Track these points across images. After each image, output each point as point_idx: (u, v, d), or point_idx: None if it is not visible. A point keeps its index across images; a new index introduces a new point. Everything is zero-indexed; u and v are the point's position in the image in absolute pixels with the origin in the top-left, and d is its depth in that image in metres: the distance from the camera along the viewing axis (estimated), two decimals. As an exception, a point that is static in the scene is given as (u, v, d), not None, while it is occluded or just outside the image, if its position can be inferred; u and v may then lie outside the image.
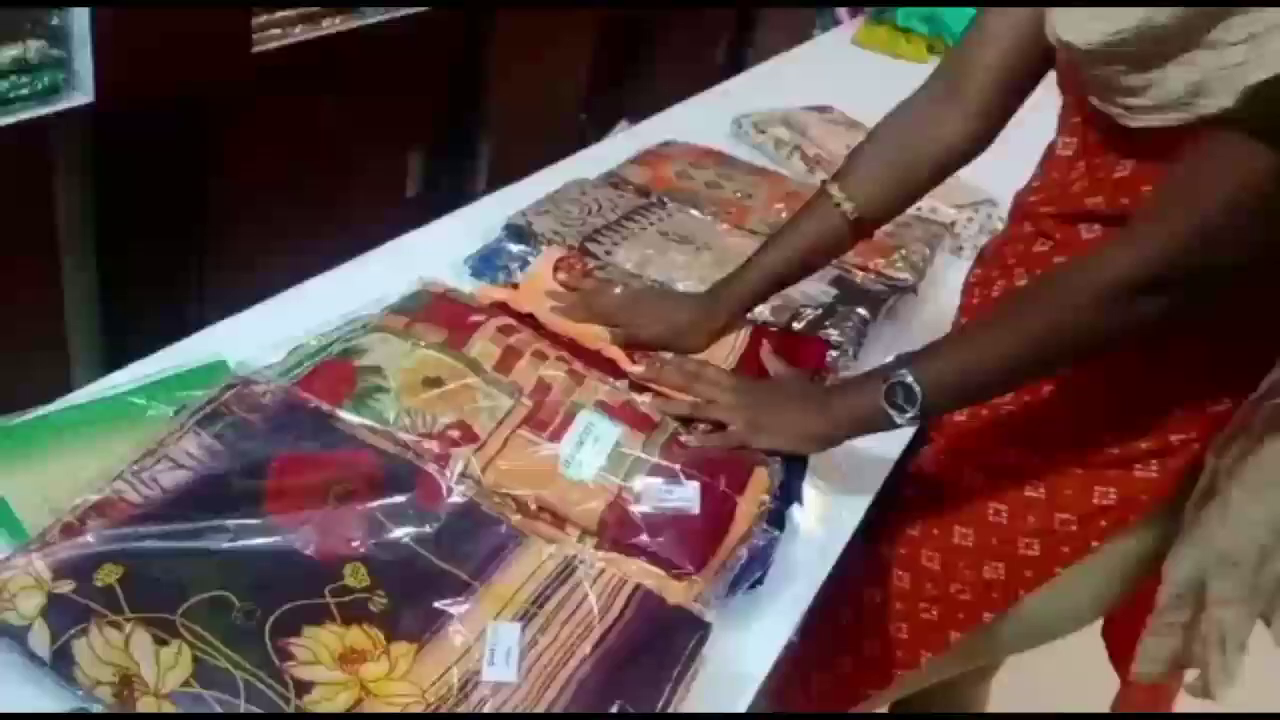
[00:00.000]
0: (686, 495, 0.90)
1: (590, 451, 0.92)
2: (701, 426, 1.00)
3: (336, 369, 0.94)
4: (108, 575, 0.72)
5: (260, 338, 1.01)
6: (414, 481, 0.85)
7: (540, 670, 0.75)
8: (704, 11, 3.51)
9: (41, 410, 0.91)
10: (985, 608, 1.05)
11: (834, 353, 1.16)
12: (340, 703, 0.70)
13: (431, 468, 0.87)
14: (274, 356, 0.97)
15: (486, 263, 1.24)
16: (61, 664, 0.69)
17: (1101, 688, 1.19)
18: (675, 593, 0.83)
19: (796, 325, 1.20)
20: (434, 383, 0.94)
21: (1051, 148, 1.00)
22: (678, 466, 0.92)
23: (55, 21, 1.48)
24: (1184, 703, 1.05)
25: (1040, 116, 1.03)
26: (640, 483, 0.90)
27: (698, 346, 1.12)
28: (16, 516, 0.81)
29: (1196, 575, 0.93)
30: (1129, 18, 0.79)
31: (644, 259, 1.27)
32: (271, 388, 0.90)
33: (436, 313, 1.04)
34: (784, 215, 1.38)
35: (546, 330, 1.09)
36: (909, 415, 0.93)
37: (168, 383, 0.95)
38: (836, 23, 3.93)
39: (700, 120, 1.80)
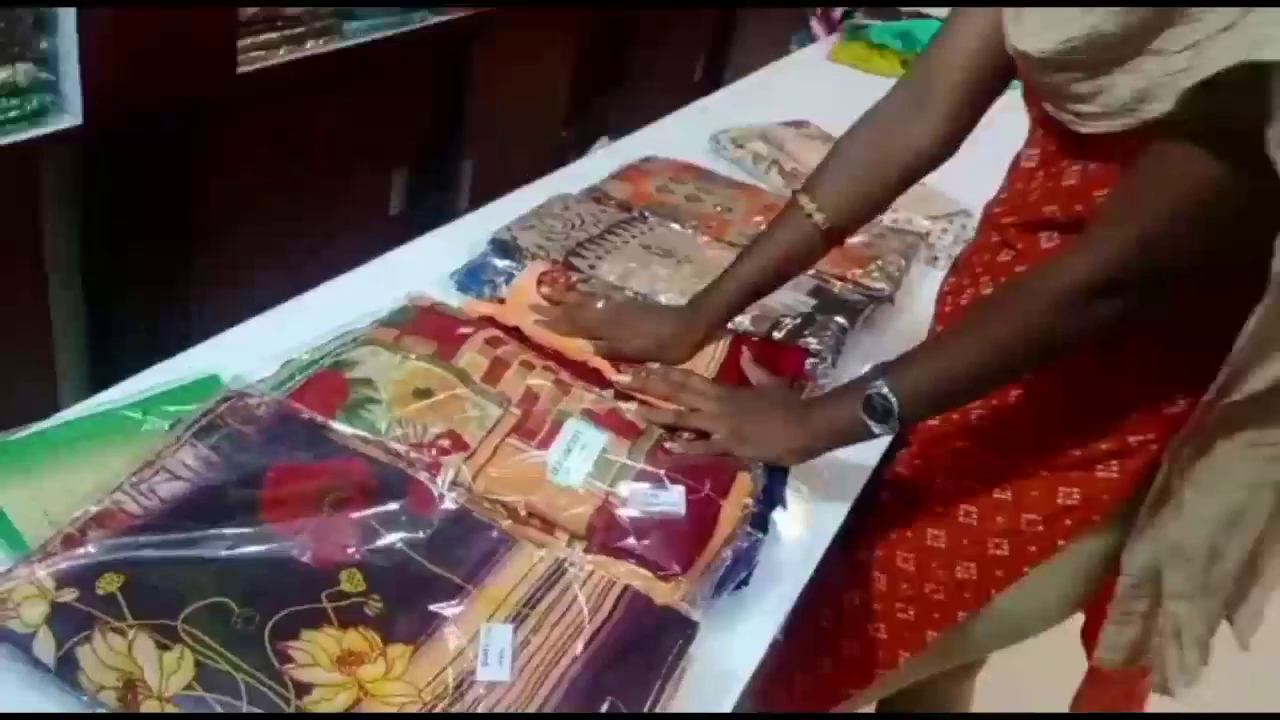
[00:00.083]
0: (672, 499, 0.92)
1: (578, 458, 0.94)
2: (686, 435, 1.03)
3: (328, 381, 0.96)
4: (109, 584, 0.74)
5: (250, 353, 1.02)
6: (406, 489, 0.87)
7: (533, 670, 0.77)
8: (682, 29, 3.56)
9: (37, 426, 0.93)
10: (959, 607, 1.08)
11: (813, 360, 1.19)
12: (339, 703, 0.72)
13: (423, 476, 0.89)
14: (265, 371, 0.99)
15: (472, 277, 1.26)
16: (66, 670, 0.70)
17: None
18: (663, 593, 0.85)
19: (776, 334, 1.23)
20: (424, 393, 0.96)
21: (1017, 159, 1.03)
22: (663, 472, 0.95)
23: (44, 45, 1.51)
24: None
25: (1014, 131, 1.06)
26: (627, 488, 0.92)
27: (680, 358, 1.15)
28: (16, 529, 0.82)
29: (1152, 566, 0.95)
30: (1079, 26, 0.82)
31: (627, 272, 1.30)
32: (265, 400, 0.92)
33: (425, 326, 1.06)
34: (763, 228, 1.41)
35: (532, 342, 1.12)
36: (887, 426, 0.96)
37: (161, 397, 0.97)
38: (813, 39, 3.99)
39: (679, 136, 1.83)
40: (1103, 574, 1.03)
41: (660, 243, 1.38)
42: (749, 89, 2.29)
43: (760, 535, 0.95)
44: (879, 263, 1.39)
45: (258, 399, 0.92)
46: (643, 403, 1.07)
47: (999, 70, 1.02)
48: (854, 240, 1.35)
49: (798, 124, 1.89)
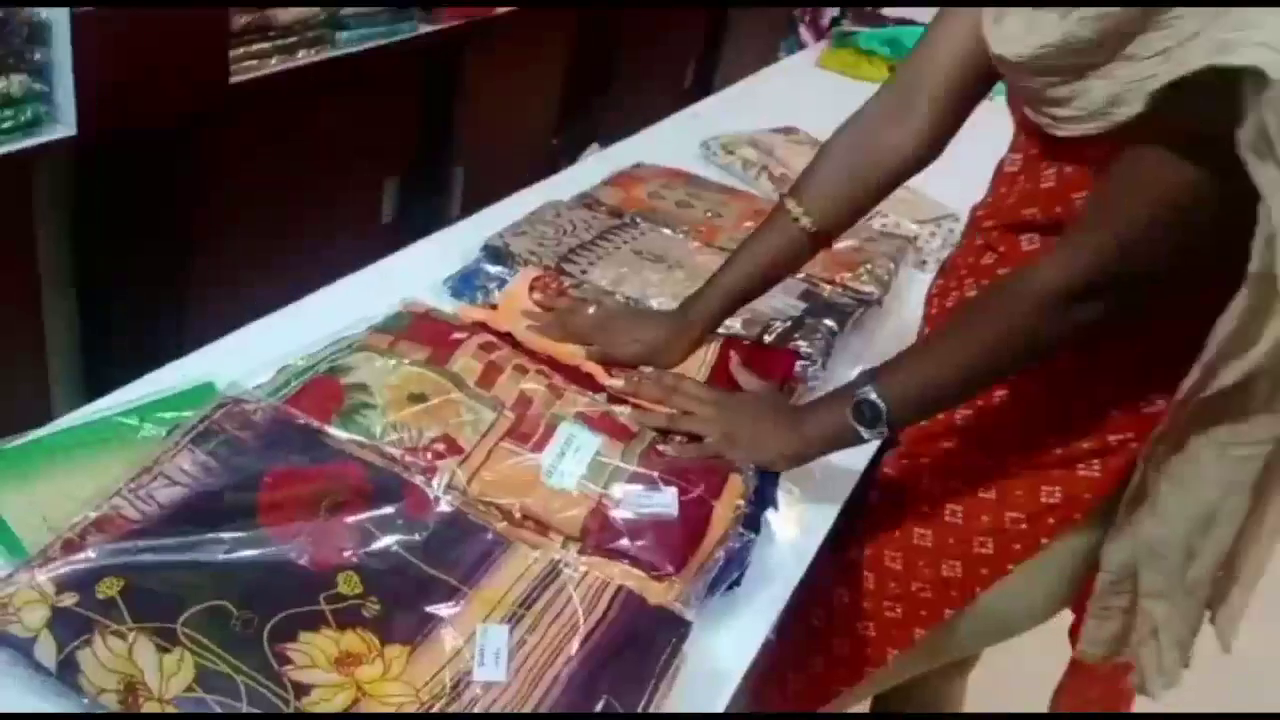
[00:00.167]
0: (665, 501, 0.93)
1: (571, 461, 0.95)
2: (679, 437, 1.04)
3: (324, 387, 0.97)
4: (109, 588, 0.75)
5: (244, 360, 1.03)
6: (402, 493, 0.88)
7: (529, 669, 0.78)
8: (672, 37, 3.58)
9: (34, 434, 0.94)
10: (946, 605, 1.09)
11: (803, 363, 1.20)
12: (338, 703, 0.73)
13: (418, 479, 0.90)
14: (259, 378, 1.00)
15: (466, 283, 1.27)
16: (67, 673, 0.71)
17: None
18: (656, 593, 0.86)
19: (767, 337, 1.24)
20: (419, 398, 0.97)
21: (1001, 164, 1.05)
22: (656, 473, 0.96)
23: (38, 57, 1.52)
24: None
25: (1000, 137, 1.07)
26: (620, 490, 0.93)
27: (671, 362, 1.16)
28: (16, 535, 0.83)
29: (1130, 563, 0.97)
30: (1055, 33, 0.84)
31: (619, 277, 1.31)
32: (261, 406, 0.93)
33: (419, 331, 1.07)
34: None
35: (525, 347, 1.13)
36: (876, 430, 0.98)
37: (157, 404, 0.98)
38: (801, 46, 4.02)
39: (670, 142, 1.84)
40: (1086, 571, 1.04)
41: (651, 248, 1.40)
42: (738, 95, 2.31)
43: (752, 535, 0.96)
44: (868, 266, 1.40)
45: (254, 404, 0.93)
46: (636, 406, 1.08)
47: (980, 75, 1.04)
48: (843, 244, 1.37)
49: (787, 130, 1.90)
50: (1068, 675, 1.18)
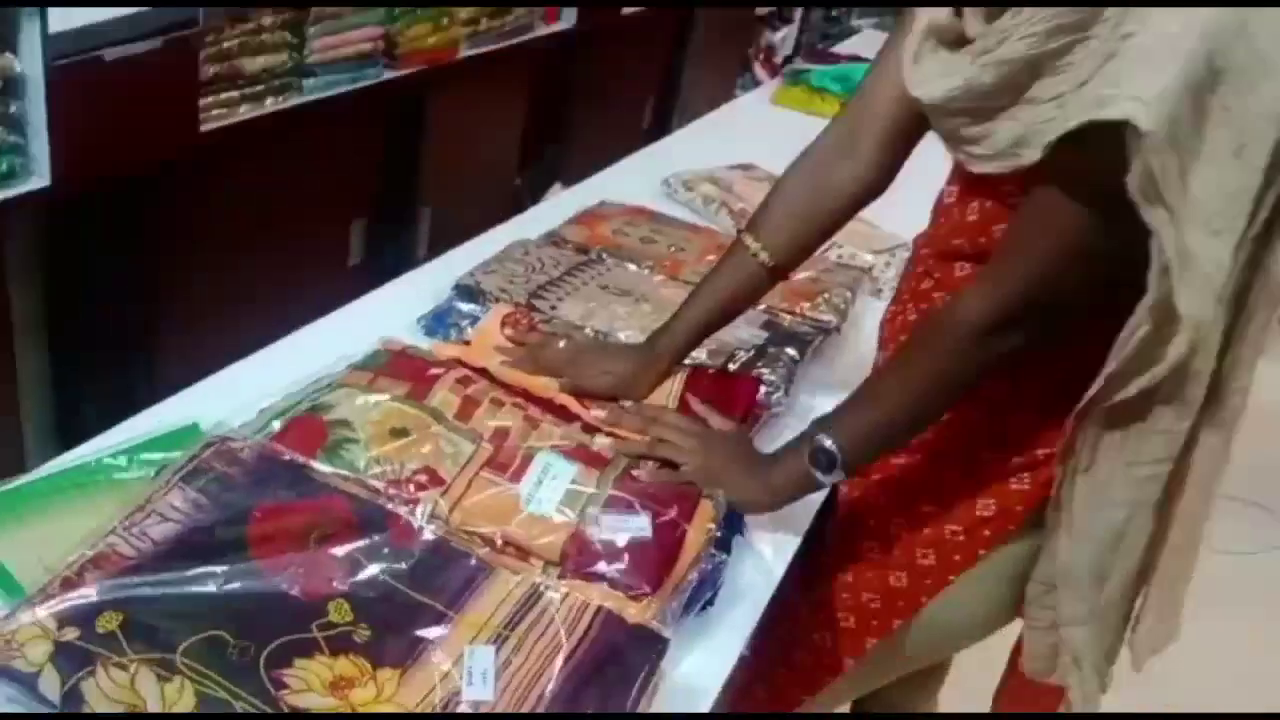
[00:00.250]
0: (640, 524, 0.97)
1: (549, 488, 0.99)
2: (654, 464, 1.08)
3: (308, 424, 1.01)
4: (109, 622, 0.78)
5: (222, 403, 1.06)
6: (387, 523, 0.92)
7: (515, 688, 0.82)
8: (630, 77, 3.65)
9: (24, 478, 0.96)
10: (894, 615, 1.14)
11: (766, 390, 1.25)
12: (334, 725, 0.76)
13: (403, 510, 0.93)
14: (240, 418, 1.03)
15: (439, 321, 1.31)
16: (71, 704, 0.74)
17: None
18: (634, 613, 0.90)
19: (731, 366, 1.29)
20: (400, 433, 1.01)
21: (940, 196, 1.11)
22: (631, 498, 1.00)
23: (13, 109, 1.54)
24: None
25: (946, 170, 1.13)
26: (596, 514, 0.97)
27: (640, 394, 1.20)
28: (13, 576, 0.85)
29: (1051, 578, 1.02)
30: (959, 77, 0.88)
31: (588, 311, 1.35)
32: (248, 444, 0.97)
33: (398, 368, 1.11)
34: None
35: (499, 381, 1.17)
36: (833, 475, 1.03)
37: (143, 446, 1.00)
38: (756, 83, 4.11)
39: (631, 181, 1.89)
40: (1024, 582, 1.08)
41: (618, 283, 1.44)
42: (697, 133, 2.37)
43: (724, 557, 1.00)
44: (826, 296, 1.46)
45: (241, 443, 0.96)
46: (613, 435, 1.12)
47: (916, 117, 1.08)
48: (802, 275, 1.42)
49: (745, 167, 1.96)
50: (1005, 678, 1.23)
